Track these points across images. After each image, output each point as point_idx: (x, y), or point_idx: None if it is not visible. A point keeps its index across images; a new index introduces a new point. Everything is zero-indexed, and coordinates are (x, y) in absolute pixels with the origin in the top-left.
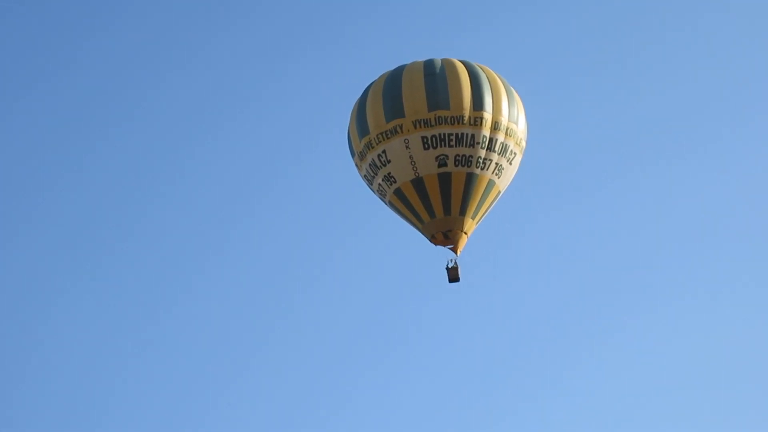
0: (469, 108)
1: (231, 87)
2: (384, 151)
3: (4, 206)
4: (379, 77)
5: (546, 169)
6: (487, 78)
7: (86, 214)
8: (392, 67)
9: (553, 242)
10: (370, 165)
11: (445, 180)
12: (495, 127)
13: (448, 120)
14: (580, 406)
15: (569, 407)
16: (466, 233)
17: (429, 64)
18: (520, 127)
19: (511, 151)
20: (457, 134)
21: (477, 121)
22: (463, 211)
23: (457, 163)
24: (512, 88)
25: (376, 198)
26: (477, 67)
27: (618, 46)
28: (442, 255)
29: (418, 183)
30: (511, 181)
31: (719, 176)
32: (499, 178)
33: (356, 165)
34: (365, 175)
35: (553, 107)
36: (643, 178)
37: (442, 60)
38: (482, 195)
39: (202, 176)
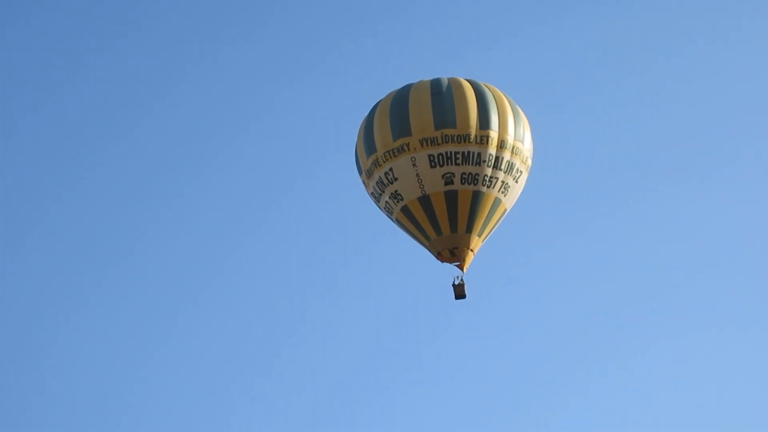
0: (475, 127)
1: (239, 102)
2: (391, 169)
3: (14, 212)
4: (386, 96)
5: (552, 187)
6: (494, 97)
7: (93, 221)
8: (400, 84)
9: (559, 260)
10: (377, 183)
11: (451, 198)
12: (501, 145)
13: (455, 138)
14: (585, 426)
15: (575, 427)
16: (472, 250)
17: (436, 83)
18: (526, 146)
19: (517, 169)
20: (463, 152)
21: (483, 140)
22: (469, 229)
23: (463, 181)
24: (518, 108)
25: (383, 215)
26: (483, 86)
27: (625, 64)
28: (448, 272)
29: (425, 200)
30: (517, 199)
31: (731, 197)
32: (505, 196)
33: (363, 182)
34: (372, 193)
35: (560, 126)
36: (650, 197)
37: (449, 79)
38: (488, 213)
39: (210, 191)
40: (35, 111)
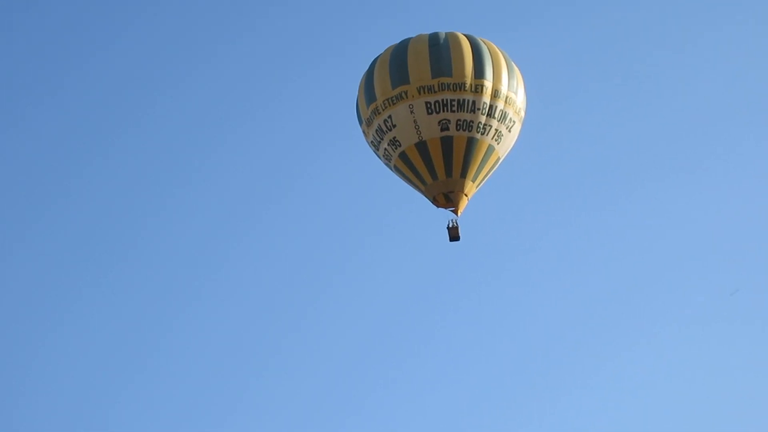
0: (470, 76)
1: (247, 84)
2: (390, 117)
3: (13, 211)
4: (386, 49)
5: (546, 142)
6: (489, 50)
7: (102, 218)
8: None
9: (549, 214)
10: (376, 131)
11: (447, 143)
12: (495, 94)
13: (451, 86)
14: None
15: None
16: (466, 195)
17: (433, 37)
18: (519, 98)
19: (510, 119)
20: (459, 100)
21: (478, 89)
22: (464, 174)
23: (458, 127)
24: (513, 63)
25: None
26: (479, 40)
27: (627, 43)
28: (443, 219)
29: (422, 146)
30: (510, 150)
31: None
32: (498, 144)
33: (363, 132)
34: (372, 141)
35: (554, 85)
36: (643, 177)
37: (447, 33)
38: (482, 159)
39: (216, 175)
40: (33, 108)
